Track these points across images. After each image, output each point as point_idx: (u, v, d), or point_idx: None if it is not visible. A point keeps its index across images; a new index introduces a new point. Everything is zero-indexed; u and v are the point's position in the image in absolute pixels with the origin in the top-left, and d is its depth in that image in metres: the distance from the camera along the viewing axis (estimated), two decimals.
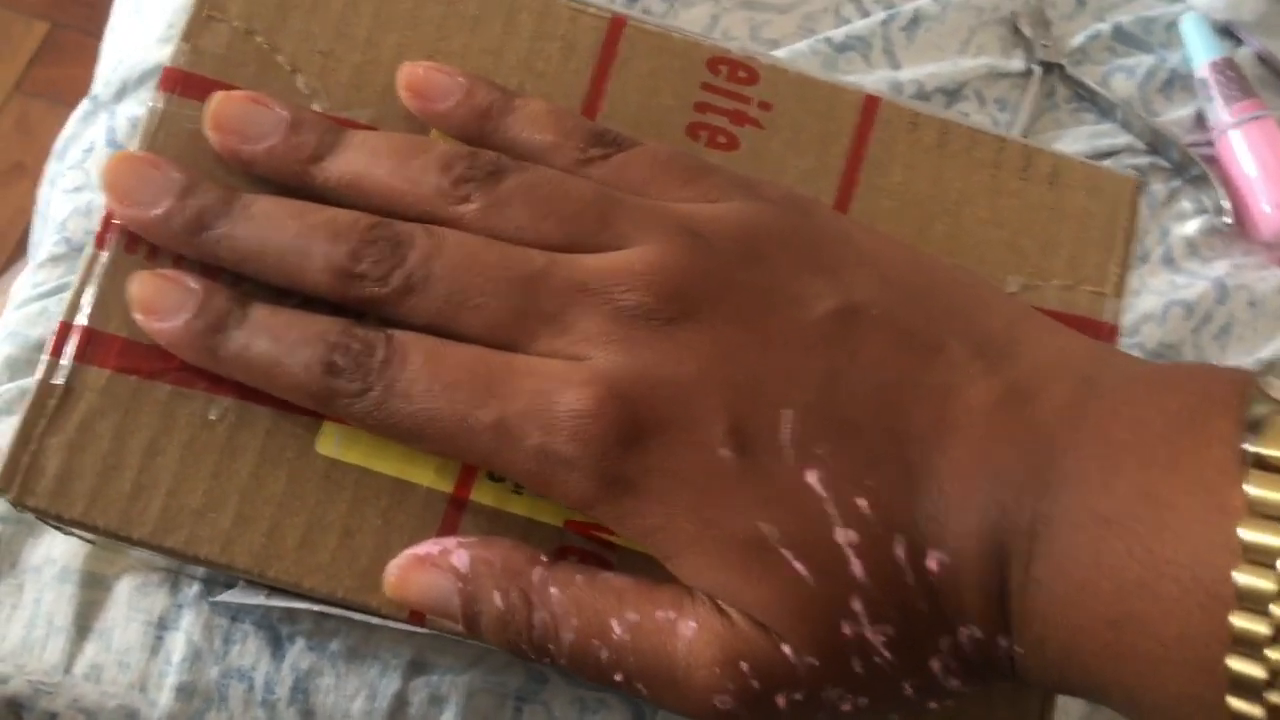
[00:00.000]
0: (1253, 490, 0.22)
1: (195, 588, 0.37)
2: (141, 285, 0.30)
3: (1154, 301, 0.47)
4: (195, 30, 0.32)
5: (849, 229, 0.31)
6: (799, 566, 0.26)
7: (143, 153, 0.31)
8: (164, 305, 0.30)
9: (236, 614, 0.37)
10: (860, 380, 0.28)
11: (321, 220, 0.30)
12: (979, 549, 0.26)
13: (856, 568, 0.26)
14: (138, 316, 0.30)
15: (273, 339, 0.29)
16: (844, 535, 0.26)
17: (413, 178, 0.30)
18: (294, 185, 0.31)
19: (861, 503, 0.27)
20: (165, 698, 0.36)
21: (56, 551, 0.37)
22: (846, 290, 0.29)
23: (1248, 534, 0.22)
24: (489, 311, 0.29)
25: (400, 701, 0.36)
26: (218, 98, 0.31)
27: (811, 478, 0.27)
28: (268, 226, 0.30)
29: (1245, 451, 0.23)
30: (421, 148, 0.31)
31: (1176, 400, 0.25)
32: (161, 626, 0.37)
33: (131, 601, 0.37)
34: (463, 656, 0.37)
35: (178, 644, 0.36)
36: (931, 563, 0.26)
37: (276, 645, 0.37)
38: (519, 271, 0.29)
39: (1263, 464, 0.22)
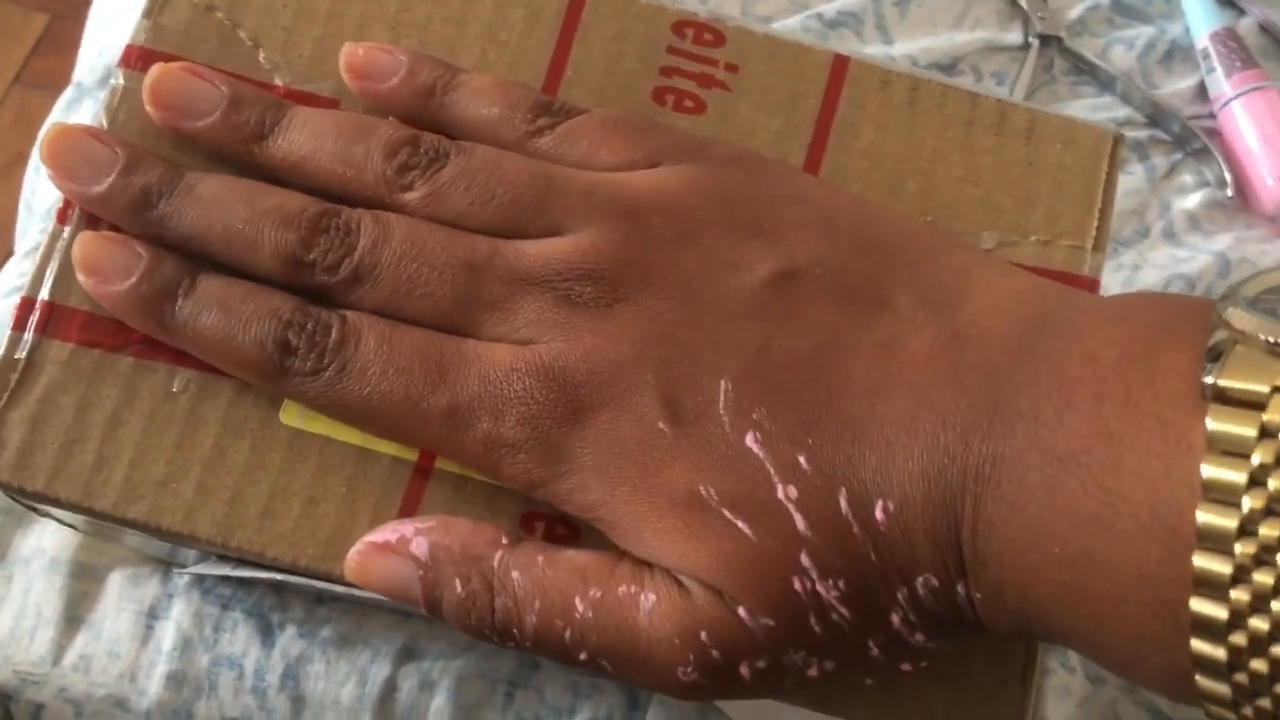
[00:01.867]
0: (1214, 425, 0.21)
1: (187, 576, 0.37)
2: (86, 246, 0.30)
3: (1155, 276, 0.46)
4: (157, 7, 0.33)
5: (800, 186, 0.31)
6: (741, 525, 0.27)
7: (83, 125, 0.31)
8: (108, 267, 0.30)
9: (227, 602, 0.37)
10: (798, 342, 0.28)
11: (270, 206, 0.30)
12: (925, 495, 0.26)
13: (800, 522, 0.26)
14: (82, 278, 0.30)
15: (224, 312, 0.29)
16: (785, 491, 0.27)
17: (357, 164, 0.30)
18: (239, 163, 0.31)
19: (801, 459, 0.27)
20: (155, 686, 0.36)
21: (47, 542, 0.38)
22: (788, 253, 0.29)
23: (1209, 470, 0.21)
24: (436, 299, 0.29)
25: (390, 687, 0.36)
26: (155, 71, 0.31)
27: (750, 440, 0.27)
28: (214, 209, 0.30)
29: (1205, 384, 0.22)
30: (365, 131, 0.31)
31: (1127, 331, 0.25)
32: (152, 616, 0.37)
33: (123, 592, 0.37)
34: (454, 642, 0.37)
35: (168, 633, 0.36)
36: (878, 513, 0.26)
37: (267, 633, 0.37)
38: (463, 259, 0.29)
39: (1223, 397, 0.22)
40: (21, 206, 0.47)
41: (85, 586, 0.37)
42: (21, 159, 1.05)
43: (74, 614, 0.37)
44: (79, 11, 1.15)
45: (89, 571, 0.37)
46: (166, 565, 0.37)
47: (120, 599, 0.37)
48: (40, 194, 0.45)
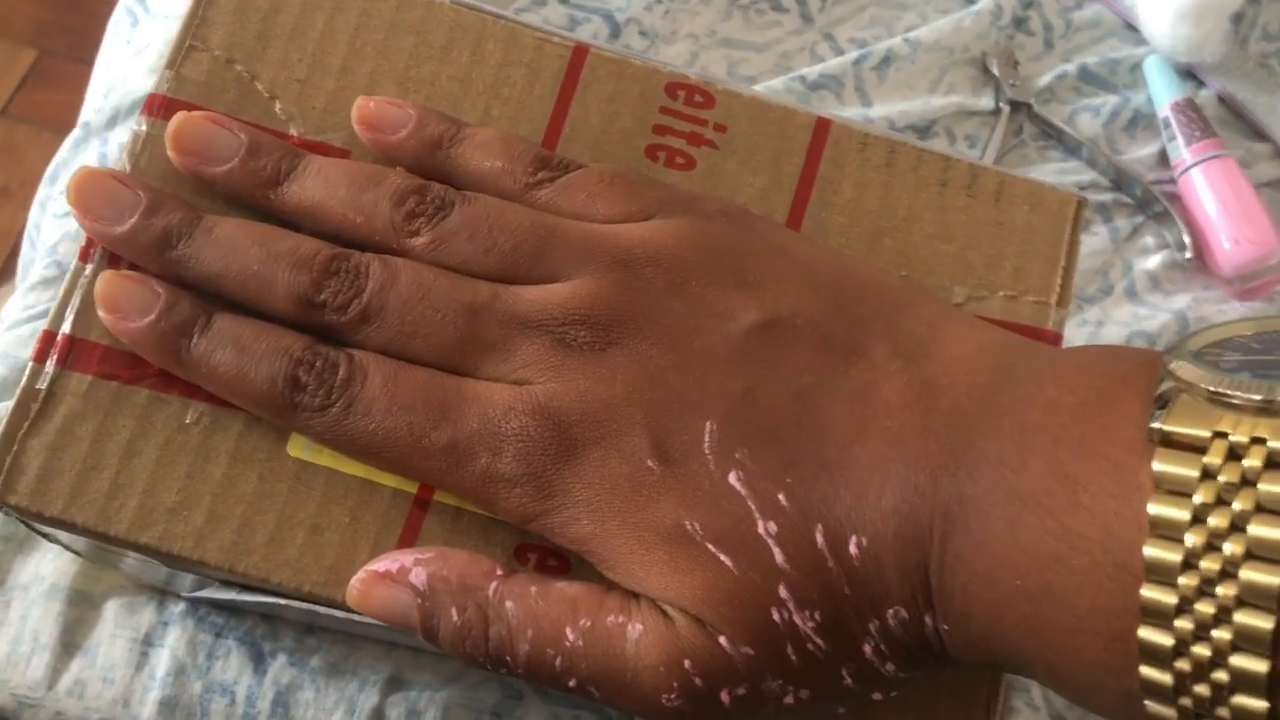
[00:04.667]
0: (1160, 467, 0.23)
1: (181, 605, 0.38)
2: (107, 283, 0.31)
3: (1118, 332, 0.48)
4: (180, 58, 0.34)
5: (784, 241, 0.33)
6: (724, 558, 0.28)
7: (108, 169, 0.32)
8: (128, 305, 0.31)
9: (221, 630, 0.38)
10: (780, 387, 0.30)
11: (284, 249, 0.31)
12: (897, 531, 0.27)
13: (779, 556, 0.28)
14: (102, 314, 0.31)
15: (237, 349, 0.31)
16: (765, 527, 0.28)
17: (366, 210, 0.32)
18: (254, 207, 0.33)
19: (781, 497, 0.28)
20: (148, 712, 0.37)
21: (46, 569, 0.38)
22: (771, 303, 0.31)
23: (1155, 509, 0.23)
24: (438, 339, 0.31)
25: (378, 716, 0.37)
26: (178, 119, 0.33)
27: (733, 478, 0.29)
28: (231, 250, 0.31)
29: (1153, 430, 0.24)
30: (374, 179, 0.32)
31: (1085, 381, 0.26)
32: (147, 643, 0.37)
33: (118, 619, 0.38)
34: (440, 673, 0.38)
35: (162, 660, 0.37)
36: (852, 548, 0.28)
37: (259, 661, 0.37)
38: (465, 303, 0.31)
39: (1169, 441, 0.23)
40: (25, 242, 0.48)
41: (82, 613, 0.38)
42: (7, 192, 1.06)
43: (70, 640, 0.37)
44: (67, 48, 1.17)
45: (86, 598, 0.38)
46: (162, 593, 0.38)
47: (116, 626, 0.38)
48: (45, 230, 0.46)
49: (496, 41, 0.35)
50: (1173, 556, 0.22)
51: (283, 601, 0.31)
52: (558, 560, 0.32)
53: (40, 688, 0.37)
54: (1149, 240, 0.50)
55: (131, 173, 0.33)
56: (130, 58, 0.48)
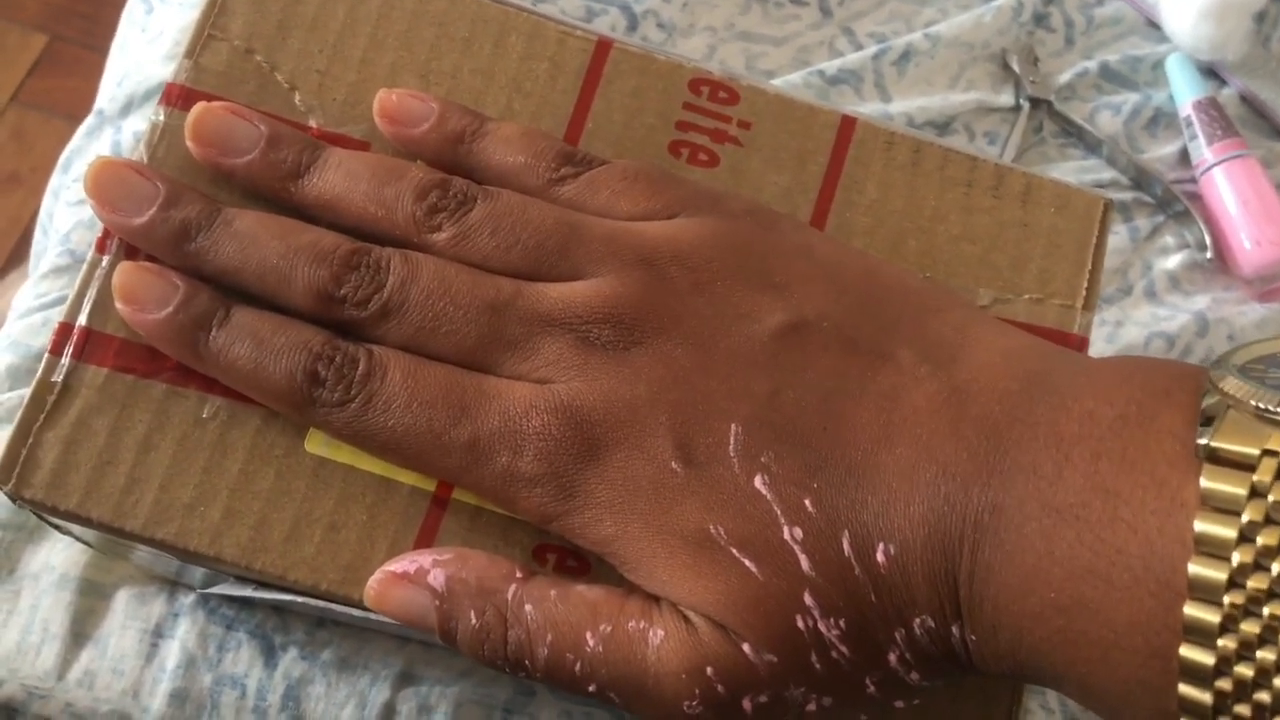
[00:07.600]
0: (1208, 484, 0.23)
1: (192, 596, 0.38)
2: (125, 275, 0.31)
3: (1136, 333, 0.48)
4: (198, 48, 0.34)
5: (809, 241, 0.32)
6: (748, 564, 0.28)
7: (126, 159, 0.32)
8: (146, 297, 0.31)
9: (231, 623, 0.37)
10: (806, 390, 0.29)
11: (304, 243, 0.31)
12: (926, 540, 0.27)
13: (805, 563, 0.28)
14: (120, 306, 0.31)
15: (255, 343, 0.30)
16: (790, 533, 0.28)
17: (388, 204, 0.31)
18: (274, 199, 0.32)
19: (807, 502, 0.28)
20: (158, 704, 0.36)
21: (56, 559, 0.38)
22: (797, 305, 0.30)
23: (1202, 526, 0.23)
24: (459, 336, 0.30)
25: (389, 711, 0.37)
26: (198, 109, 0.32)
27: (758, 483, 0.28)
28: (249, 244, 0.31)
29: (1199, 446, 0.23)
30: (396, 173, 0.32)
31: (1124, 393, 0.26)
32: (157, 634, 0.37)
33: (128, 610, 0.38)
34: (452, 668, 0.38)
35: (172, 651, 0.37)
36: (879, 555, 0.27)
37: (269, 654, 0.37)
38: (488, 300, 0.30)
39: (1216, 458, 0.23)
40: (38, 230, 0.48)
41: (92, 603, 0.38)
42: (16, 178, 1.05)
43: (80, 630, 0.37)
44: (78, 34, 1.16)
45: (96, 589, 0.38)
46: (173, 584, 0.38)
47: (126, 617, 0.37)
48: (58, 218, 0.46)
49: (519, 34, 0.35)
50: (1218, 574, 0.22)
51: (299, 599, 0.31)
52: (578, 561, 0.31)
53: (50, 678, 0.37)
54: (1169, 240, 0.50)
55: (149, 163, 0.32)
56: (145, 45, 0.48)
